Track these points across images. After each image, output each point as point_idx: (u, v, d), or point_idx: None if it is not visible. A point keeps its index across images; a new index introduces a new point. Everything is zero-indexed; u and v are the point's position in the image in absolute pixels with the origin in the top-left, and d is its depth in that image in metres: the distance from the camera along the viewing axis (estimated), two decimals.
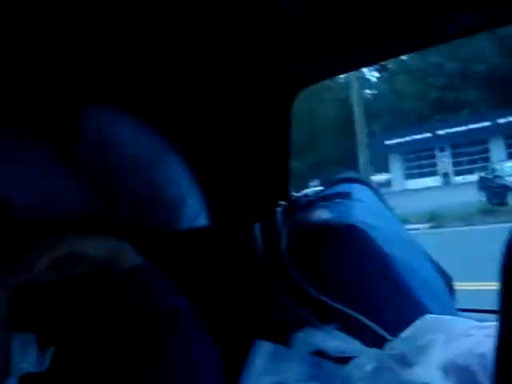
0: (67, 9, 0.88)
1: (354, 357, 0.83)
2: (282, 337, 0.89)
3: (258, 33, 1.10)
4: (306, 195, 1.15)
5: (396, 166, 25.38)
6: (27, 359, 0.88)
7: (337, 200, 1.06)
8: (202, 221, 1.30)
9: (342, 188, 1.13)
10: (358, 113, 16.31)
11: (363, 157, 15.82)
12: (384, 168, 24.88)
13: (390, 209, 1.15)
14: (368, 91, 27.61)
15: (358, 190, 1.12)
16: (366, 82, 26.86)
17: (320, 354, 0.85)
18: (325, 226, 1.02)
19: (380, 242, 1.01)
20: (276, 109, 1.40)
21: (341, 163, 21.93)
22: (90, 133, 1.19)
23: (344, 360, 0.85)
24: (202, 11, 0.97)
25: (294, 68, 1.35)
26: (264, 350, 0.82)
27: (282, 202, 1.17)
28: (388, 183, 23.68)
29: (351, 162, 17.53)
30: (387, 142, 24.72)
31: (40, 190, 1.26)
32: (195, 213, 1.30)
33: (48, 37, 0.99)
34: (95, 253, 0.88)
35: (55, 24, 0.94)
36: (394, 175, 25.09)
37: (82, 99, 1.21)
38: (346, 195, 1.08)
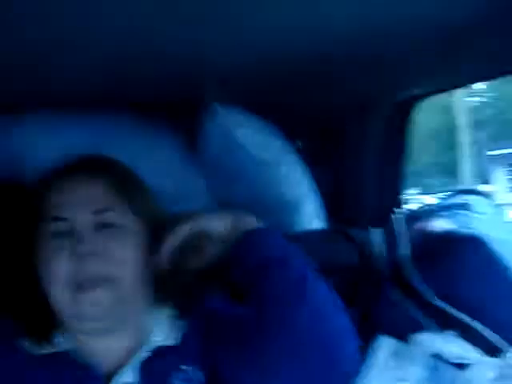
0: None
1: (474, 364, 0.86)
2: (399, 337, 0.94)
3: (380, 47, 1.14)
4: (426, 204, 1.18)
5: (499, 178, 24.41)
6: (161, 333, 0.99)
7: (458, 211, 1.09)
8: (319, 223, 1.35)
9: (462, 199, 1.15)
10: (461, 121, 15.81)
11: (466, 167, 15.31)
12: (486, 180, 23.96)
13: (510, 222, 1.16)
14: (474, 99, 26.61)
15: (478, 202, 1.14)
16: (473, 89, 25.88)
17: (439, 357, 0.88)
18: (447, 235, 1.05)
19: (501, 255, 1.02)
20: (393, 120, 1.43)
21: (442, 173, 21.34)
22: (216, 133, 1.26)
23: (463, 366, 0.88)
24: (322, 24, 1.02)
25: (410, 80, 1.38)
26: (387, 346, 0.87)
27: (400, 209, 1.21)
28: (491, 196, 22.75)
29: (453, 171, 17.01)
30: (491, 153, 23.83)
31: (166, 188, 1.35)
32: (312, 215, 1.35)
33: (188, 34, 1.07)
34: (219, 229, 0.98)
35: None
36: (496, 187, 24.13)
37: (209, 99, 1.29)
38: (467, 207, 1.11)
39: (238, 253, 0.98)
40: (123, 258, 0.95)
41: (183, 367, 0.96)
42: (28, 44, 0.98)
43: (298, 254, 0.98)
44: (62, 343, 0.97)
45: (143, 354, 0.97)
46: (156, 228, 1.00)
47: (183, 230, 0.99)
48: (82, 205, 0.95)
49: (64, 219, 0.94)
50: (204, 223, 1.00)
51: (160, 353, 0.97)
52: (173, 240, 0.98)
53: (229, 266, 0.99)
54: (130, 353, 0.97)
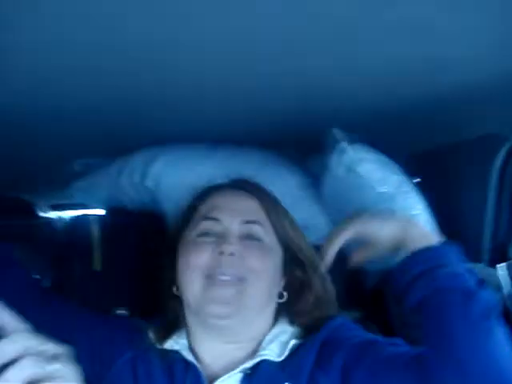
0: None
1: None
2: None
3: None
4: None
5: None
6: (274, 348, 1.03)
7: None
8: None
9: None
10: None
11: None
12: None
13: None
14: None
15: None
16: None
17: None
18: None
19: None
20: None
21: None
22: (341, 168, 1.31)
23: None
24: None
25: None
26: None
27: None
28: None
29: None
30: None
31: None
32: None
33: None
34: (387, 235, 0.98)
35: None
36: None
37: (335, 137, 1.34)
38: None
39: (410, 271, 0.93)
40: (260, 268, 1.02)
41: None
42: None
43: (483, 284, 0.90)
44: (178, 343, 1.05)
45: (250, 364, 1.00)
46: (291, 253, 1.08)
47: (348, 232, 1.00)
48: (235, 212, 1.05)
49: (216, 219, 1.04)
50: (372, 227, 0.99)
51: (266, 367, 1.00)
52: (338, 241, 1.01)
53: (388, 281, 0.99)
54: (238, 361, 1.02)
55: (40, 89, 1.05)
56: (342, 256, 1.41)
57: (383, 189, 1.28)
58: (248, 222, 1.04)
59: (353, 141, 1.29)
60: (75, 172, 1.58)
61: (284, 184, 1.40)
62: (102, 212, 1.61)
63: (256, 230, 1.04)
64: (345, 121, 1.34)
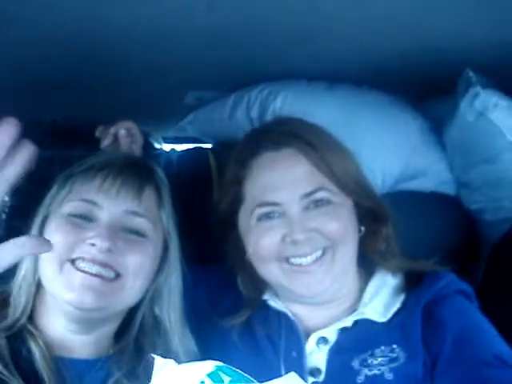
0: None
1: None
2: None
3: None
4: None
5: None
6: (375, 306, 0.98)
7: None
8: None
9: None
10: None
11: None
12: None
13: None
14: None
15: None
16: None
17: None
18: None
19: None
20: None
21: None
22: (470, 114, 1.26)
23: None
24: None
25: None
26: None
27: None
28: None
29: None
30: None
31: (404, 162, 1.37)
32: None
33: None
34: None
35: None
36: None
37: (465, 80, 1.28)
38: None
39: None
40: (338, 233, 0.94)
41: (383, 347, 0.94)
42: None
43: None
44: (271, 301, 1.02)
45: (350, 322, 0.96)
46: (361, 198, 0.98)
47: None
48: (290, 189, 0.94)
49: (274, 204, 0.94)
50: None
51: (369, 326, 0.96)
52: None
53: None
54: (335, 317, 0.98)
55: (158, 19, 1.04)
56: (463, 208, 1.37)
57: None
58: (308, 195, 0.94)
59: (487, 85, 1.23)
60: (188, 105, 1.58)
61: (405, 127, 1.37)
62: (210, 146, 1.62)
63: (319, 196, 0.94)
64: (471, 62, 1.29)
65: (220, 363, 0.58)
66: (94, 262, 0.87)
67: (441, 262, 0.99)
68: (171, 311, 0.97)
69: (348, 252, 0.97)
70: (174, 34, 1.13)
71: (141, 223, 0.93)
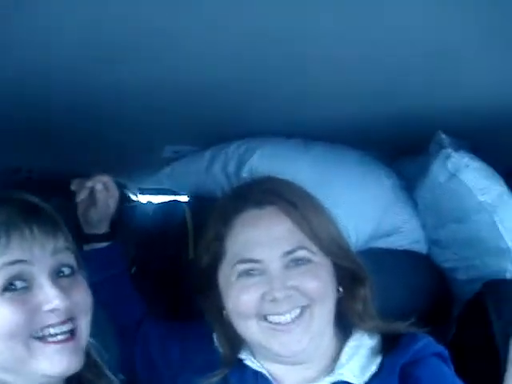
0: None
1: None
2: None
3: None
4: None
5: None
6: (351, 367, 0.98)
7: None
8: None
9: None
10: None
11: None
12: None
13: None
14: None
15: None
16: None
17: None
18: None
19: None
20: None
21: None
22: (442, 173, 1.28)
23: None
24: None
25: None
26: None
27: None
28: None
29: None
30: None
31: (376, 220, 1.38)
32: None
33: None
34: None
35: None
36: None
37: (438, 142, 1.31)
38: None
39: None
40: (316, 289, 0.94)
41: None
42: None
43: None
44: (247, 360, 1.02)
45: (324, 383, 0.96)
46: (339, 258, 0.99)
47: None
48: (272, 246, 0.94)
49: (256, 261, 0.94)
50: None
51: None
52: None
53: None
54: (311, 378, 0.97)
55: (136, 76, 1.06)
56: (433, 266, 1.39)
57: (485, 198, 1.25)
58: (289, 253, 0.94)
59: (458, 147, 1.26)
60: (166, 158, 1.59)
61: (379, 185, 1.39)
62: (186, 199, 1.63)
63: (300, 254, 0.95)
64: (441, 125, 1.33)
65: None
66: (63, 323, 0.81)
67: (416, 323, 0.99)
68: None
69: (326, 311, 0.97)
70: (154, 90, 1.15)
71: (68, 256, 0.86)
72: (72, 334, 0.83)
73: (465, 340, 1.22)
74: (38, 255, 0.81)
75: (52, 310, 0.80)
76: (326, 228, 0.98)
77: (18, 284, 0.80)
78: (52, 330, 0.81)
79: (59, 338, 0.81)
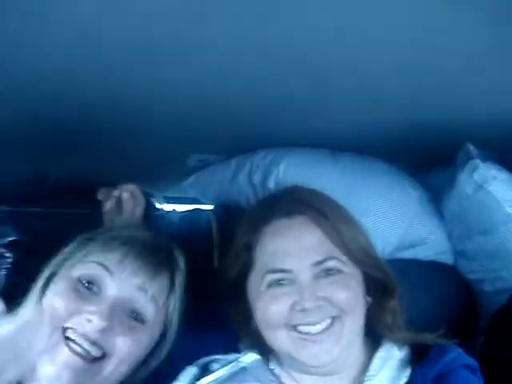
0: None
1: None
2: None
3: None
4: None
5: None
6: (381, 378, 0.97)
7: None
8: None
9: None
10: None
11: None
12: None
13: None
14: None
15: None
16: None
17: None
18: None
19: None
20: None
21: None
22: (470, 185, 1.28)
23: None
24: None
25: None
26: None
27: None
28: None
29: None
30: None
31: (402, 230, 1.38)
32: None
33: None
34: None
35: None
36: None
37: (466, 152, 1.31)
38: None
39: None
40: (346, 300, 0.94)
41: None
42: None
43: None
44: (275, 370, 1.01)
45: None
46: (369, 268, 0.99)
47: None
48: (302, 256, 0.94)
49: (286, 271, 0.94)
50: None
51: None
52: None
53: None
54: None
55: (163, 85, 1.07)
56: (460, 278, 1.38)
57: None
58: (319, 263, 0.94)
59: (486, 158, 1.26)
60: (191, 166, 1.60)
61: (406, 196, 1.38)
62: (211, 207, 1.64)
63: (330, 264, 0.94)
64: (469, 136, 1.33)
65: None
66: (84, 337, 0.85)
67: (445, 334, 0.98)
68: None
69: (356, 322, 0.96)
70: (180, 99, 1.16)
71: (145, 307, 0.92)
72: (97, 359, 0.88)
73: (493, 352, 1.21)
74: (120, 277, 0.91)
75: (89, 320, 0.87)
76: (355, 238, 0.98)
77: None
78: None
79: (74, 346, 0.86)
